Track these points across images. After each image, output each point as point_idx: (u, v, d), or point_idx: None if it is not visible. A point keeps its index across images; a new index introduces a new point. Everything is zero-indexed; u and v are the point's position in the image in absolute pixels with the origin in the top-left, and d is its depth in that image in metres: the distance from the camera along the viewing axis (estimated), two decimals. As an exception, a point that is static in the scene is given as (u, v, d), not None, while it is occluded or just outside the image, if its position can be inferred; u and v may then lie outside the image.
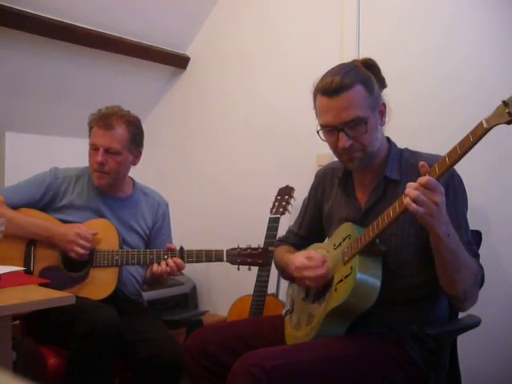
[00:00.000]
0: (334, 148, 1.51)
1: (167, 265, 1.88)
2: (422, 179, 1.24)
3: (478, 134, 1.16)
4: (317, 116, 1.54)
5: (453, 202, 1.42)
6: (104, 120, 1.98)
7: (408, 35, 2.34)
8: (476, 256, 1.46)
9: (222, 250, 1.90)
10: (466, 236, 1.45)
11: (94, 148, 1.99)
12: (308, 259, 1.51)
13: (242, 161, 2.95)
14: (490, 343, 2.03)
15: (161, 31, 2.99)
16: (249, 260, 1.90)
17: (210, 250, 1.90)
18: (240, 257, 1.89)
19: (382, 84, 1.54)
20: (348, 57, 2.38)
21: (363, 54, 2.41)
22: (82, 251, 1.88)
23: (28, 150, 2.82)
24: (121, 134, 1.98)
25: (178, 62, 3.19)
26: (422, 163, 1.28)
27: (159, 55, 3.05)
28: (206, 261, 1.90)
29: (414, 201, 1.24)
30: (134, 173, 2.16)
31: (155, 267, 1.90)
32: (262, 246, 1.93)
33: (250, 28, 2.93)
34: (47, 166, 2.11)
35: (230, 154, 3.00)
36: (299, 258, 1.53)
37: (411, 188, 1.25)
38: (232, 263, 1.90)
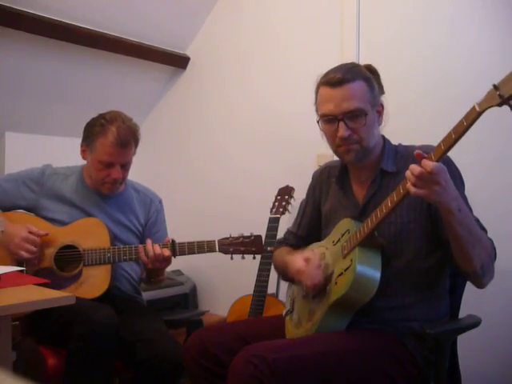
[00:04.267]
0: (332, 139, 1.53)
1: (154, 251, 1.87)
2: (423, 163, 1.24)
3: (470, 118, 1.18)
4: (317, 110, 1.57)
5: None
6: (121, 140, 1.97)
7: (408, 37, 2.34)
8: (484, 231, 1.46)
9: (214, 240, 1.89)
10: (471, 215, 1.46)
11: (106, 164, 1.98)
12: (306, 262, 1.52)
13: (241, 161, 2.95)
14: (489, 343, 2.03)
15: (161, 31, 2.99)
16: (242, 248, 1.89)
17: (202, 241, 1.89)
18: (232, 246, 1.89)
19: (381, 90, 1.57)
20: (348, 58, 2.39)
21: (363, 56, 2.42)
22: (26, 255, 1.86)
23: (28, 150, 2.82)
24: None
25: (178, 62, 3.19)
26: (416, 152, 1.29)
27: (159, 55, 3.05)
28: (198, 252, 1.90)
29: (415, 185, 1.25)
30: (133, 172, 2.16)
31: (141, 253, 1.90)
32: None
33: (249, 28, 2.93)
34: (47, 166, 2.11)
35: (230, 154, 3.00)
36: (298, 261, 1.54)
37: (411, 172, 1.26)
38: (225, 253, 1.89)
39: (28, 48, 2.56)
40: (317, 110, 1.57)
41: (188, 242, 1.90)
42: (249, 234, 1.91)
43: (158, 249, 1.89)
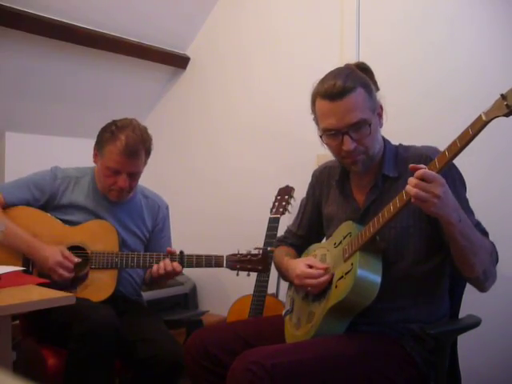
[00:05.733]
0: (337, 152, 1.51)
1: (165, 268, 1.88)
2: (419, 172, 1.25)
3: (477, 127, 1.17)
4: (315, 120, 1.53)
5: (454, 191, 1.43)
6: (129, 149, 1.95)
7: (407, 36, 2.34)
8: (485, 235, 1.46)
9: (222, 256, 1.90)
10: (472, 219, 1.45)
11: (113, 171, 1.97)
12: (309, 267, 1.52)
13: (241, 161, 2.95)
14: (489, 343, 2.03)
15: (161, 31, 3.00)
16: (248, 266, 1.90)
17: (210, 256, 1.91)
18: (239, 263, 1.90)
19: (376, 87, 1.55)
20: (348, 57, 2.40)
21: (363, 55, 2.42)
22: (59, 280, 1.85)
23: (28, 150, 2.82)
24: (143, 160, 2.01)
25: (178, 62, 3.19)
26: (410, 166, 1.29)
27: (159, 55, 3.05)
28: (206, 266, 1.91)
29: (415, 198, 1.25)
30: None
31: (154, 268, 1.90)
32: (261, 246, 1.93)
33: (249, 28, 2.94)
34: (47, 166, 2.11)
35: (230, 154, 3.00)
36: (300, 266, 1.53)
37: (410, 185, 1.26)
38: (231, 269, 1.90)
39: (28, 48, 2.56)
40: (316, 122, 1.53)
41: (196, 255, 1.92)
42: (256, 252, 1.91)
43: (169, 266, 1.89)
